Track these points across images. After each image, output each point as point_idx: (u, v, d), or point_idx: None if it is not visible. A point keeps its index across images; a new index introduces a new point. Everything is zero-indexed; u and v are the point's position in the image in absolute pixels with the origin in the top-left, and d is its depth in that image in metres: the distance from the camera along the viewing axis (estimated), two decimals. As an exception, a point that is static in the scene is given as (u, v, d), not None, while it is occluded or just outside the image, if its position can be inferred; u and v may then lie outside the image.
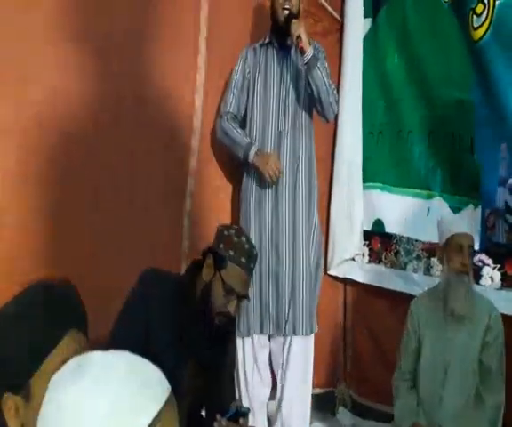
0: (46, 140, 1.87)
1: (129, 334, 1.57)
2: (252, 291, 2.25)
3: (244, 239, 1.71)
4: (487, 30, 2.71)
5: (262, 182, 2.35)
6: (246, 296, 1.72)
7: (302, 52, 2.31)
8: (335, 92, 2.42)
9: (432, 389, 2.22)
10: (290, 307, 2.31)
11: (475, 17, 2.76)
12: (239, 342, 2.35)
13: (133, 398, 0.59)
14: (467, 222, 2.42)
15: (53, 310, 0.90)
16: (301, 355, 2.44)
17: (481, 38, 2.73)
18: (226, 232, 1.72)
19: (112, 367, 0.61)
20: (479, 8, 2.75)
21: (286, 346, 2.41)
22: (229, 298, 1.65)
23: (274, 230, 2.35)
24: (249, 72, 2.44)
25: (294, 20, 2.32)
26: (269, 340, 2.46)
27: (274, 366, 2.50)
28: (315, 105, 2.42)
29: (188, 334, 1.61)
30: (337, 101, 2.44)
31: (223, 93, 2.52)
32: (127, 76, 2.11)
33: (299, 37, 2.28)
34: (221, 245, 1.68)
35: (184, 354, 1.61)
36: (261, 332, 2.39)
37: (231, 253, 1.66)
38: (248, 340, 2.41)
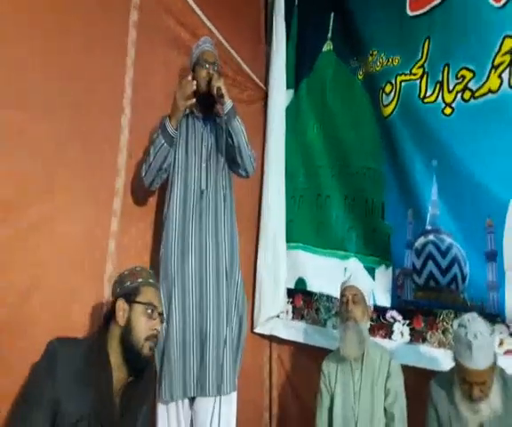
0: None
1: (34, 418, 1.49)
2: (176, 353, 2.26)
3: (140, 268, 1.86)
4: (395, 108, 3.02)
5: (185, 241, 2.35)
6: (163, 313, 1.83)
7: (221, 102, 2.36)
8: (252, 150, 2.48)
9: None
10: (214, 367, 2.31)
11: (384, 95, 3.08)
12: (163, 409, 2.30)
13: None
14: (354, 278, 2.61)
15: None
16: (225, 415, 2.42)
17: (390, 115, 3.04)
18: (125, 272, 1.82)
19: None
20: (388, 88, 3.07)
21: (210, 407, 2.37)
22: (153, 317, 1.72)
23: (197, 290, 2.33)
24: None
25: (214, 74, 2.38)
26: (192, 402, 2.42)
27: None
28: (234, 159, 2.45)
29: (101, 401, 1.57)
30: (254, 158, 2.50)
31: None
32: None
33: (219, 88, 2.34)
34: (128, 283, 1.76)
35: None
36: (184, 395, 2.35)
37: (140, 280, 1.77)
38: (172, 405, 2.36)
